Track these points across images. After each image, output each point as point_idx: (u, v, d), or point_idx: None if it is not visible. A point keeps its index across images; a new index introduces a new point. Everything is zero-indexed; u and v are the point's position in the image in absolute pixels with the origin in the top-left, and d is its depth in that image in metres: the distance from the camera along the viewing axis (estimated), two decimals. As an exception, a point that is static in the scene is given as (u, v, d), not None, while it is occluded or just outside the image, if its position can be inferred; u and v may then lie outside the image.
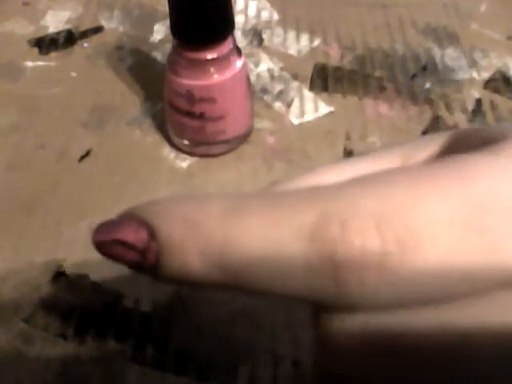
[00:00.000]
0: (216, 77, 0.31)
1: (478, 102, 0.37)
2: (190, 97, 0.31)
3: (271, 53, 0.41)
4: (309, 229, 0.12)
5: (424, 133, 0.35)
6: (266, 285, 0.13)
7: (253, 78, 0.39)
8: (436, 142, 0.15)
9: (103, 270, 0.29)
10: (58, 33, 0.43)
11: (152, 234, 0.13)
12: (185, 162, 0.34)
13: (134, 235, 0.14)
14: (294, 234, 0.12)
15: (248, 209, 0.13)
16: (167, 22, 0.32)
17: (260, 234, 0.12)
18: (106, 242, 0.14)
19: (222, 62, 0.31)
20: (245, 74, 0.33)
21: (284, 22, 0.44)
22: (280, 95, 0.38)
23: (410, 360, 0.12)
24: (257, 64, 0.40)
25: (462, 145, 0.15)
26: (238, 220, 0.13)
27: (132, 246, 0.14)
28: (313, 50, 0.42)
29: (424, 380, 0.12)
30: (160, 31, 0.43)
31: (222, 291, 0.14)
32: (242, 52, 0.32)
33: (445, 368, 0.12)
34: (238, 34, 0.42)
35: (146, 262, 0.13)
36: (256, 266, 0.12)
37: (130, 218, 0.14)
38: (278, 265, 0.12)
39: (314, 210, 0.12)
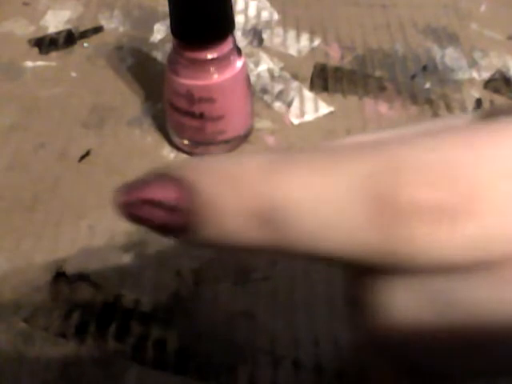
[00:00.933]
0: (216, 77, 0.31)
1: (478, 101, 0.37)
2: (190, 97, 0.31)
3: (271, 53, 0.41)
4: (369, 178, 0.11)
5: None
6: (315, 243, 0.11)
7: (253, 78, 0.39)
8: (468, 117, 0.14)
9: (103, 270, 0.29)
10: (58, 33, 0.43)
11: (186, 192, 0.12)
12: (185, 162, 0.34)
13: (165, 193, 0.12)
14: (351, 188, 0.11)
15: (296, 160, 0.12)
16: (167, 21, 0.32)
17: (310, 185, 0.11)
18: (132, 203, 0.13)
19: (222, 61, 0.31)
20: (245, 74, 0.33)
21: (284, 22, 0.44)
22: (280, 95, 0.38)
23: (472, 336, 0.11)
24: (257, 64, 0.40)
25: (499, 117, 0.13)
26: (286, 172, 0.11)
27: (163, 204, 0.12)
28: (313, 50, 0.42)
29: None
30: (160, 31, 0.43)
31: (259, 254, 0.12)
32: (242, 52, 0.33)
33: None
34: (238, 33, 0.42)
35: (178, 222, 0.12)
36: (305, 223, 0.11)
37: (160, 175, 0.13)
38: (330, 219, 0.11)
39: (375, 159, 0.11)
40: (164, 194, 0.12)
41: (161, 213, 0.12)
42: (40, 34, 0.43)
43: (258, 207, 0.11)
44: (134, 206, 0.13)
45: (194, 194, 0.12)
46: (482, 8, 0.46)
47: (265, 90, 0.39)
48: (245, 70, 0.33)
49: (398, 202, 0.11)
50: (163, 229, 0.12)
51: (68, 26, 0.44)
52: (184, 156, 0.34)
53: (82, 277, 0.28)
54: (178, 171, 0.12)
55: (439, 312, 0.11)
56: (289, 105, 0.37)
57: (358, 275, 0.12)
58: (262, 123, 0.36)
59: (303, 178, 0.11)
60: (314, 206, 0.11)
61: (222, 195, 0.12)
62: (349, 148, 0.12)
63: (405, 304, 0.11)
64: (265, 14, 0.45)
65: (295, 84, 0.39)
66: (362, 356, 0.15)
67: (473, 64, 0.40)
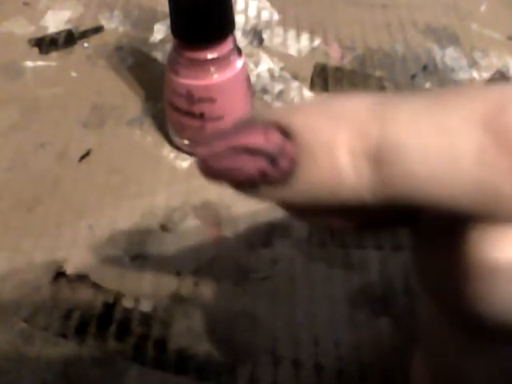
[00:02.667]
0: (216, 77, 0.31)
1: (478, 101, 0.37)
2: (190, 97, 0.31)
3: (271, 53, 0.41)
4: (482, 117, 0.10)
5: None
6: (428, 188, 0.10)
7: (253, 78, 0.39)
8: None
9: (103, 270, 0.29)
10: (58, 33, 0.43)
11: (287, 135, 0.11)
12: (185, 162, 0.34)
13: (263, 137, 0.11)
14: (464, 123, 0.10)
15: (405, 101, 0.11)
16: (167, 21, 0.32)
17: (420, 123, 0.10)
18: (219, 153, 0.11)
19: (222, 61, 0.31)
20: (245, 73, 0.33)
21: (284, 22, 0.44)
22: (280, 95, 0.38)
23: None
24: (257, 64, 0.40)
25: None
26: (396, 112, 0.10)
27: (260, 150, 0.11)
28: (313, 50, 0.42)
29: None
30: (160, 31, 0.43)
31: (364, 207, 0.11)
32: (242, 52, 0.33)
33: None
34: (238, 33, 0.42)
35: (277, 170, 0.11)
36: (419, 163, 0.10)
37: (252, 121, 0.11)
38: (444, 160, 0.10)
39: (487, 99, 0.10)
40: (263, 139, 0.11)
41: (259, 161, 0.11)
42: (40, 34, 0.43)
43: (367, 146, 0.10)
44: (224, 156, 0.11)
45: (298, 136, 0.11)
46: (482, 8, 0.46)
47: (265, 90, 0.39)
48: (245, 70, 0.33)
49: None
50: (259, 180, 0.11)
51: (68, 26, 0.44)
52: (184, 156, 0.34)
53: (82, 277, 0.28)
54: (272, 115, 0.11)
55: None
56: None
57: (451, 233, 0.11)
58: (262, 123, 0.36)
59: (413, 113, 0.10)
60: (424, 140, 0.10)
61: (327, 135, 0.10)
62: (456, 90, 0.11)
63: None
64: (265, 14, 0.45)
65: (295, 84, 0.39)
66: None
67: (473, 64, 0.40)
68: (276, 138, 0.11)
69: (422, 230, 0.13)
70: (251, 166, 0.11)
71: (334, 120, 0.11)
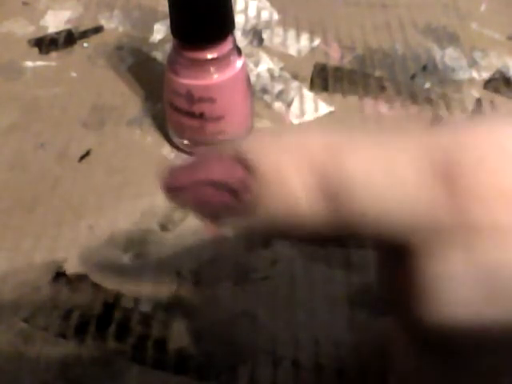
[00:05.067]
0: (216, 77, 0.31)
1: (478, 101, 0.37)
2: (190, 97, 0.31)
3: (271, 53, 0.41)
4: (431, 157, 0.11)
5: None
6: (376, 220, 0.11)
7: (253, 78, 0.39)
8: None
9: (103, 270, 0.29)
10: (58, 33, 0.43)
11: (249, 169, 0.11)
12: (185, 162, 0.34)
13: (226, 172, 0.11)
14: (413, 163, 0.11)
15: (359, 138, 0.11)
16: (167, 21, 0.32)
17: (375, 162, 0.11)
18: (185, 186, 0.12)
19: (222, 61, 0.31)
20: (245, 73, 0.33)
21: (284, 22, 0.44)
22: (280, 95, 0.38)
23: None
24: (257, 64, 0.40)
25: None
26: (350, 149, 0.11)
27: (224, 185, 0.11)
28: (313, 50, 0.42)
29: None
30: (160, 31, 0.43)
31: (316, 236, 0.12)
32: (242, 52, 0.32)
33: None
34: (238, 33, 0.42)
35: (240, 203, 0.11)
36: (369, 199, 0.11)
37: (215, 155, 0.12)
38: (394, 197, 0.11)
39: (437, 139, 0.11)
40: (226, 173, 0.11)
41: (223, 194, 0.11)
42: (40, 34, 0.43)
43: (321, 182, 0.11)
44: (190, 189, 0.12)
45: (259, 171, 0.11)
46: (482, 8, 0.46)
47: (265, 90, 0.39)
48: (245, 70, 0.33)
49: (476, 185, 0.10)
50: (223, 212, 0.12)
51: (68, 26, 0.44)
52: (184, 156, 0.34)
53: (82, 277, 0.28)
54: (234, 150, 0.12)
55: (492, 286, 0.11)
56: (289, 105, 0.37)
57: (405, 257, 0.12)
58: (262, 123, 0.36)
59: (366, 150, 0.11)
60: (376, 178, 0.11)
61: (286, 170, 0.11)
62: (407, 128, 0.12)
63: (460, 281, 0.11)
64: (265, 14, 0.45)
65: (295, 84, 0.39)
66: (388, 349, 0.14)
67: (473, 64, 0.40)
68: (239, 173, 0.11)
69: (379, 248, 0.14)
70: (215, 199, 0.12)
71: (292, 156, 0.11)
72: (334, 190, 0.11)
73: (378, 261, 0.14)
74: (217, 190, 0.11)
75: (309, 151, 0.11)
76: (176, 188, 0.12)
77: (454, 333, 0.11)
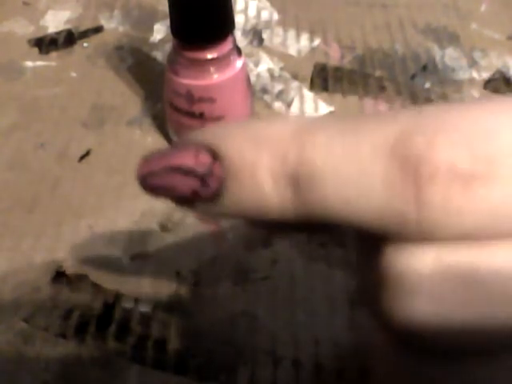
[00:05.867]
0: (216, 77, 0.31)
1: (478, 101, 0.37)
2: (190, 97, 0.31)
3: (271, 53, 0.41)
4: (390, 144, 0.11)
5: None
6: (339, 209, 0.11)
7: (253, 78, 0.39)
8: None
9: (103, 270, 0.29)
10: (58, 33, 0.43)
11: (215, 156, 0.12)
12: (185, 162, 0.34)
13: (193, 159, 0.12)
14: (374, 150, 0.11)
15: (322, 126, 0.11)
16: (167, 21, 0.32)
17: (335, 146, 0.11)
18: (155, 172, 0.12)
19: (222, 61, 0.31)
20: (245, 73, 0.33)
21: (284, 22, 0.44)
22: (280, 95, 0.38)
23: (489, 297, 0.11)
24: (257, 64, 0.40)
25: None
26: (313, 137, 0.11)
27: (191, 171, 0.12)
28: (313, 50, 0.42)
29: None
30: (160, 31, 0.43)
31: (282, 226, 0.12)
32: (242, 52, 0.32)
33: None
34: (238, 33, 0.42)
35: (207, 189, 0.12)
36: (328, 184, 0.11)
37: (185, 143, 0.12)
38: (352, 180, 0.11)
39: (397, 125, 0.11)
40: (193, 160, 0.12)
41: (191, 180, 0.12)
42: (40, 34, 0.43)
43: (286, 170, 0.11)
44: (160, 175, 0.12)
45: (225, 158, 0.12)
46: (482, 8, 0.46)
47: (265, 90, 0.39)
48: (245, 70, 0.33)
49: (415, 168, 0.10)
50: (191, 198, 0.12)
51: (68, 26, 0.44)
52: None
53: (82, 277, 0.28)
54: (204, 137, 0.12)
55: (462, 286, 0.11)
56: (289, 105, 0.37)
57: (376, 249, 0.12)
58: (262, 123, 0.36)
59: (329, 139, 0.11)
60: (337, 166, 0.11)
61: (252, 158, 0.11)
62: (372, 115, 0.12)
63: (426, 274, 0.11)
64: (265, 14, 0.45)
65: (295, 84, 0.39)
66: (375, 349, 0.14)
67: (473, 64, 0.40)
68: (205, 159, 0.12)
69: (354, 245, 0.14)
70: (183, 184, 0.12)
71: (257, 144, 0.12)
72: (300, 180, 0.11)
73: (356, 256, 0.14)
74: (185, 176, 0.12)
75: (275, 139, 0.11)
76: (147, 174, 0.13)
77: (425, 331, 0.11)
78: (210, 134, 0.12)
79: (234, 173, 0.12)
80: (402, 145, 0.11)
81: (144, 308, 0.27)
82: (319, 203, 0.11)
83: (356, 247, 0.14)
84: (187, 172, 0.12)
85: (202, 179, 0.12)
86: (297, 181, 0.11)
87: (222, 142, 0.12)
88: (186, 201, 0.12)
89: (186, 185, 0.12)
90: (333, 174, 0.11)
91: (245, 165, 0.12)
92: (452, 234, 0.11)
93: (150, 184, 0.13)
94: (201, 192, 0.12)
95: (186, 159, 0.12)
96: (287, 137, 0.11)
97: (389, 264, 0.11)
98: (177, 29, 0.30)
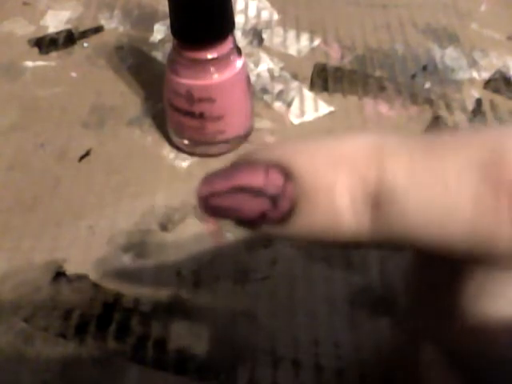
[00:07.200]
0: (216, 77, 0.31)
1: (478, 101, 0.37)
2: (190, 97, 0.31)
3: (271, 53, 0.41)
4: (480, 163, 0.10)
5: (424, 133, 0.35)
6: (424, 233, 0.10)
7: (253, 78, 0.39)
8: None
9: (103, 269, 0.29)
10: (58, 33, 0.43)
11: (287, 176, 0.11)
12: (185, 162, 0.34)
13: (264, 178, 0.11)
14: (461, 171, 0.10)
15: (403, 145, 0.11)
16: (167, 21, 0.32)
17: (419, 169, 0.10)
18: (219, 192, 0.11)
19: (222, 61, 0.31)
20: (245, 73, 0.33)
21: (284, 22, 0.44)
22: (280, 95, 0.38)
23: None
24: (257, 64, 0.40)
25: None
26: (395, 157, 0.11)
27: (261, 191, 0.11)
28: (313, 50, 0.42)
29: None
30: (160, 31, 0.43)
31: (358, 246, 0.11)
32: (242, 52, 0.32)
33: None
34: (238, 33, 0.42)
35: (277, 211, 0.11)
36: (412, 208, 0.10)
37: (251, 160, 0.11)
38: (441, 206, 0.10)
39: (486, 144, 0.10)
40: (264, 180, 0.11)
41: (260, 201, 0.11)
42: (40, 34, 0.43)
43: (366, 191, 0.11)
44: (225, 196, 0.11)
45: (300, 178, 0.11)
46: (482, 8, 0.46)
47: (265, 90, 0.39)
48: (245, 70, 0.33)
49: (510, 190, 0.10)
50: (258, 220, 0.11)
51: (68, 26, 0.44)
52: (184, 156, 0.34)
53: (82, 277, 0.28)
54: (272, 155, 0.11)
55: None
56: (289, 105, 0.37)
57: (447, 270, 0.11)
58: (262, 123, 0.36)
59: (411, 158, 0.10)
60: (421, 186, 0.10)
61: (329, 178, 0.11)
62: (451, 133, 0.11)
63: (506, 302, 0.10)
64: (265, 14, 0.45)
65: (295, 84, 0.39)
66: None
67: (473, 64, 0.40)
68: (277, 179, 0.11)
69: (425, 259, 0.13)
70: (251, 206, 0.11)
71: (334, 163, 0.11)
72: (380, 201, 0.11)
73: (413, 260, 0.13)
74: (254, 196, 0.11)
75: (353, 158, 0.11)
76: (210, 194, 0.12)
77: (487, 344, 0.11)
78: (278, 151, 0.11)
79: (309, 193, 0.11)
80: (494, 166, 0.10)
81: (144, 308, 0.27)
82: (401, 223, 0.10)
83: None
84: (257, 192, 0.11)
85: (273, 200, 0.11)
86: (377, 201, 0.11)
87: (295, 161, 0.11)
88: (251, 223, 0.12)
89: (254, 206, 0.11)
90: (416, 193, 0.10)
91: (321, 185, 0.11)
92: None
93: (213, 205, 0.12)
94: (270, 214, 0.11)
95: (256, 179, 0.11)
96: (366, 156, 0.11)
97: (468, 300, 0.11)
98: (177, 29, 0.30)
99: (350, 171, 0.11)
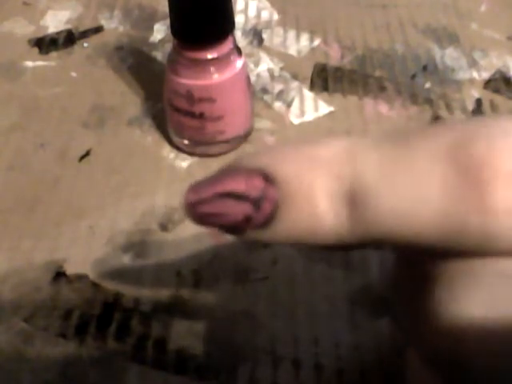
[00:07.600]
0: (216, 77, 0.31)
1: (478, 101, 0.37)
2: (190, 97, 0.31)
3: (271, 53, 0.41)
4: (447, 150, 0.10)
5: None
6: (394, 224, 0.11)
7: (253, 78, 0.39)
8: None
9: (103, 269, 0.29)
10: (58, 33, 0.43)
11: (268, 179, 0.11)
12: (185, 162, 0.34)
13: (245, 183, 0.11)
14: (429, 159, 0.10)
15: (374, 143, 0.11)
16: (167, 21, 0.32)
17: (389, 164, 0.11)
18: (205, 199, 0.12)
19: (222, 61, 0.31)
20: (245, 73, 0.33)
21: (284, 22, 0.44)
22: (280, 95, 0.38)
23: None
24: (257, 64, 0.40)
25: None
26: (366, 154, 0.11)
27: (243, 195, 0.11)
28: (313, 50, 0.42)
29: None
30: (160, 31, 0.43)
31: (336, 246, 0.11)
32: (242, 52, 0.33)
33: None
34: (238, 33, 0.42)
35: (260, 214, 0.11)
36: (385, 202, 0.10)
37: (234, 167, 0.12)
38: (411, 198, 0.10)
39: (451, 133, 0.11)
40: (245, 184, 0.11)
41: (243, 205, 0.11)
42: (40, 34, 0.43)
43: (343, 189, 0.11)
44: (210, 202, 0.12)
45: (281, 181, 0.11)
46: (482, 8, 0.46)
47: (265, 90, 0.39)
48: (245, 70, 0.33)
49: (477, 172, 0.10)
50: (243, 224, 0.12)
51: (68, 26, 0.44)
52: (184, 156, 0.34)
53: (82, 277, 0.28)
54: (253, 161, 0.12)
55: None
56: (289, 105, 0.37)
57: (419, 262, 0.11)
58: (262, 123, 0.36)
59: (381, 153, 0.11)
60: (391, 179, 0.11)
61: (308, 179, 0.11)
62: (422, 126, 0.11)
63: (481, 295, 0.10)
64: (265, 14, 0.45)
65: (295, 84, 0.39)
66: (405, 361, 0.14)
67: (473, 64, 0.40)
68: (258, 183, 0.11)
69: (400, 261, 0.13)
70: (236, 210, 0.12)
71: (312, 165, 0.11)
72: (356, 198, 0.11)
73: (394, 260, 0.13)
74: (238, 201, 0.11)
75: (329, 159, 0.11)
76: (196, 202, 0.12)
77: (464, 344, 0.11)
78: (260, 157, 0.12)
79: (290, 195, 0.11)
80: (461, 150, 0.10)
81: (144, 308, 0.27)
82: (375, 219, 0.11)
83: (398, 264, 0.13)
84: (239, 197, 0.11)
85: (255, 203, 0.11)
86: (353, 199, 0.11)
87: (277, 165, 0.11)
88: (236, 228, 0.12)
89: (238, 210, 0.11)
90: (387, 187, 0.11)
91: (301, 186, 0.11)
92: None
93: (200, 212, 0.12)
94: (254, 217, 0.11)
95: (238, 184, 0.12)
96: (340, 156, 0.11)
97: (438, 304, 0.11)
98: (177, 29, 0.30)
99: (327, 173, 0.11)
